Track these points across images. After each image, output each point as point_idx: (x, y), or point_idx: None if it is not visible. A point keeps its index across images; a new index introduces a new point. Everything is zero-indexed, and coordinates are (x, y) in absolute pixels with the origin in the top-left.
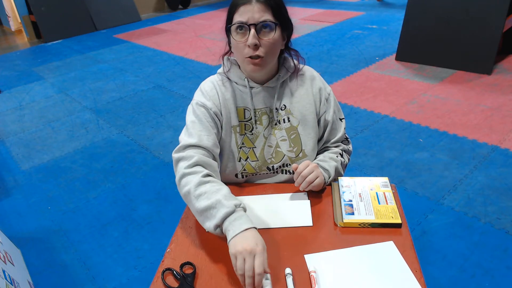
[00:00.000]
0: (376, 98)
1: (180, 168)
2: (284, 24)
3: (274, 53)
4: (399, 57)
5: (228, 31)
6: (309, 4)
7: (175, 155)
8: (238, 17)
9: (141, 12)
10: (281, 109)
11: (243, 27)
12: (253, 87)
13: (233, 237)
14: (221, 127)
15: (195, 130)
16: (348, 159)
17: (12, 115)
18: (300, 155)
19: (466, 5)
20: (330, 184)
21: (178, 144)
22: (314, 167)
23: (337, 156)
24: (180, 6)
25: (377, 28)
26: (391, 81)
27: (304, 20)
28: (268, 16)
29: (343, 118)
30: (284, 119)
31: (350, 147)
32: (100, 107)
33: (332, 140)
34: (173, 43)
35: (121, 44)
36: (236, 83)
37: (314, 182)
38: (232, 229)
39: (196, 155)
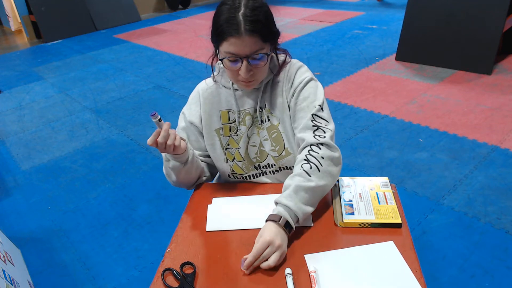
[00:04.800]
0: (376, 98)
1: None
2: (273, 40)
3: (265, 72)
4: (399, 57)
5: (216, 44)
6: (309, 4)
7: None
8: (228, 47)
9: (141, 12)
10: (263, 108)
11: (235, 58)
12: (237, 89)
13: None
14: (201, 132)
15: None
16: (329, 165)
17: (12, 115)
18: (283, 153)
19: (466, 5)
20: (298, 219)
21: None
22: (275, 245)
23: (300, 168)
24: (180, 6)
25: (377, 28)
26: (391, 81)
27: (304, 20)
28: (258, 45)
29: (318, 105)
30: (265, 118)
31: (326, 153)
32: (100, 107)
33: (298, 128)
34: (173, 43)
35: (121, 44)
36: (223, 86)
37: (273, 259)
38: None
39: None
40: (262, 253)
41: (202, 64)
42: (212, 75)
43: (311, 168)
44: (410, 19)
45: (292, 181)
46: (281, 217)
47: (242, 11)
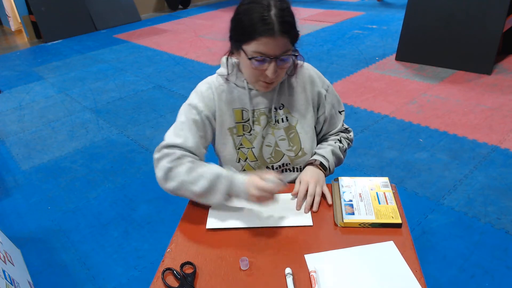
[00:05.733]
0: (376, 98)
1: (163, 165)
2: (296, 41)
3: (284, 73)
4: (399, 57)
5: (238, 43)
6: (309, 4)
7: (156, 155)
8: (258, 47)
9: (141, 12)
10: (279, 108)
11: (264, 58)
12: (252, 89)
13: (244, 186)
14: (213, 130)
15: (183, 132)
16: (349, 145)
17: (12, 115)
18: (300, 153)
19: (466, 5)
20: (329, 170)
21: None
22: (313, 181)
23: (335, 142)
24: (180, 6)
25: (377, 28)
26: (391, 81)
27: (304, 20)
28: (287, 46)
29: (342, 111)
30: (282, 119)
31: (350, 135)
32: (100, 107)
33: (331, 132)
34: (173, 43)
35: (121, 44)
36: (235, 84)
37: (322, 191)
38: (238, 184)
39: (179, 151)
40: (306, 191)
41: (202, 64)
42: (226, 73)
43: (343, 146)
44: (410, 19)
45: (330, 147)
46: (316, 159)
47: (273, 11)
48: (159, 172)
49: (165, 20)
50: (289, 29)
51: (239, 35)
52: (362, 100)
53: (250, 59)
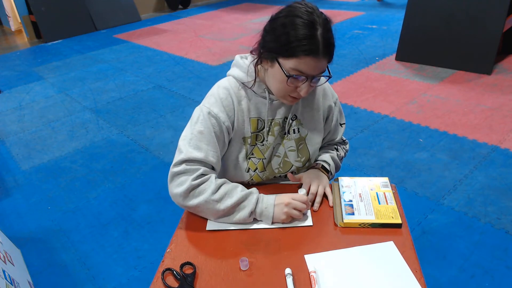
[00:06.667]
0: (376, 98)
1: (185, 181)
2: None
3: None
4: (399, 57)
5: (274, 55)
6: None
7: (175, 169)
8: (299, 65)
9: (141, 12)
10: (292, 119)
11: (301, 76)
12: (272, 99)
13: (273, 205)
14: (230, 140)
15: (202, 144)
16: (345, 154)
17: (12, 115)
18: (307, 164)
19: (466, 5)
20: (330, 173)
21: (177, 146)
22: (316, 181)
23: (332, 150)
24: (180, 6)
25: (377, 28)
26: (391, 81)
27: None
28: (325, 67)
29: (343, 123)
30: (294, 130)
31: (346, 146)
32: (100, 107)
33: (330, 142)
34: (173, 43)
35: (121, 44)
36: (254, 91)
37: (324, 191)
38: (266, 203)
39: (200, 167)
40: (309, 189)
41: (202, 64)
42: (244, 75)
43: (339, 154)
44: (410, 19)
45: (329, 153)
46: (318, 163)
47: (320, 31)
48: (177, 187)
49: (165, 20)
50: (331, 51)
51: (278, 47)
52: (362, 100)
53: (288, 76)
